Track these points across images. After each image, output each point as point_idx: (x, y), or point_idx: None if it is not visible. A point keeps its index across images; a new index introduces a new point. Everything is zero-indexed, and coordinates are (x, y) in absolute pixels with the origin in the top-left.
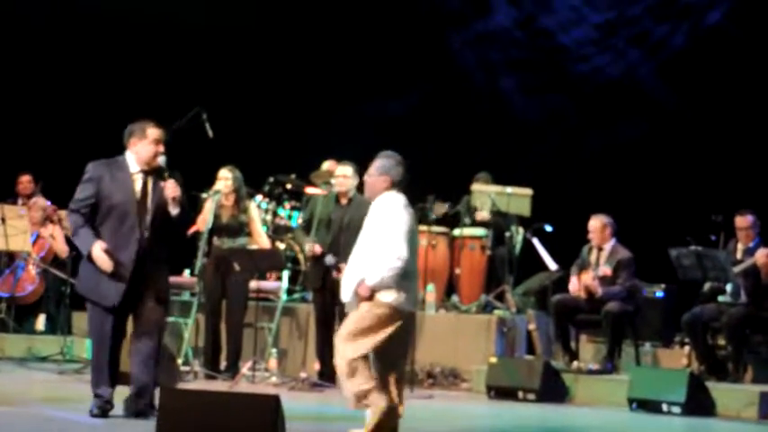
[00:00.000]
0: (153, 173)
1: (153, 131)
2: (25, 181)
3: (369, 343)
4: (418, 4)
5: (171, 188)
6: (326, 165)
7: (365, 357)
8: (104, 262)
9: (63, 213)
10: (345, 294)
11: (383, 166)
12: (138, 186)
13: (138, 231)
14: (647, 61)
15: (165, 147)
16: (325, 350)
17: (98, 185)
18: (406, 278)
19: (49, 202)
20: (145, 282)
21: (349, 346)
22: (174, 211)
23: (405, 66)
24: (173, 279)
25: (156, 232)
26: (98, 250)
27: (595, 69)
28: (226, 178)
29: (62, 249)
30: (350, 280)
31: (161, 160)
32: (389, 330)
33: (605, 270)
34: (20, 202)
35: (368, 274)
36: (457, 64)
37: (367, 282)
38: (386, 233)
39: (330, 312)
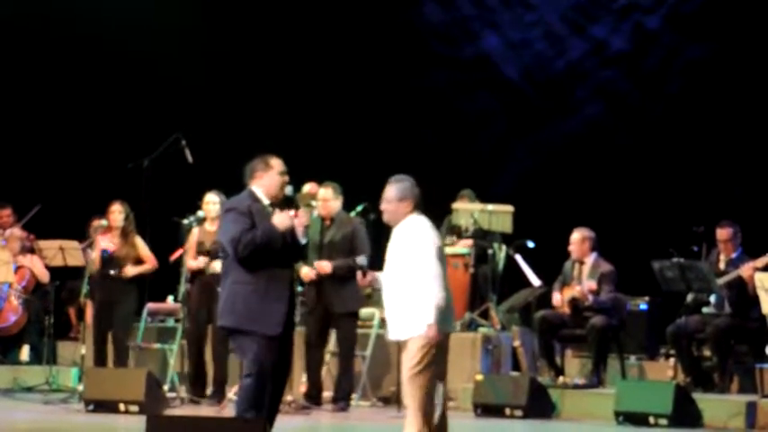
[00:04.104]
0: (280, 203)
1: (277, 163)
2: (5, 215)
3: (426, 376)
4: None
5: (303, 217)
6: (307, 187)
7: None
8: (287, 218)
9: (41, 243)
10: (394, 333)
11: (402, 189)
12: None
13: None
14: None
15: (145, 174)
16: (313, 371)
17: (251, 218)
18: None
19: (26, 233)
20: (293, 310)
21: (416, 390)
22: (303, 240)
23: (388, 85)
24: (156, 305)
25: None
26: (277, 218)
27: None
28: (213, 202)
29: (44, 274)
30: (397, 317)
31: (288, 190)
32: (434, 353)
33: (590, 284)
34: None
35: (423, 314)
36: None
37: (429, 327)
38: (420, 263)
39: (322, 334)
